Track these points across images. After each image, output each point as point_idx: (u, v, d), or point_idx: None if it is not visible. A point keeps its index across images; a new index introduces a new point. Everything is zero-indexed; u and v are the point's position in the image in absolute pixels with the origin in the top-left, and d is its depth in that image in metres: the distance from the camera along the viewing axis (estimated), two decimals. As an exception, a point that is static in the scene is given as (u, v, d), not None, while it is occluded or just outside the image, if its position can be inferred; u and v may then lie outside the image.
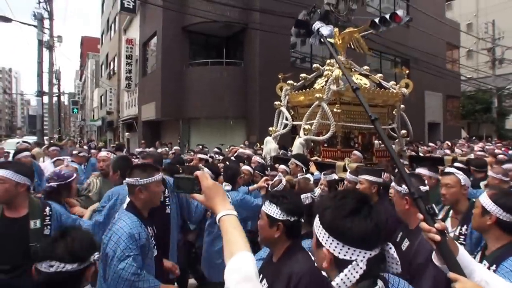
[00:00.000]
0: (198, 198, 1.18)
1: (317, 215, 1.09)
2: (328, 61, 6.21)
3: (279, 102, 6.53)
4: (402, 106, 6.31)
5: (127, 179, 2.18)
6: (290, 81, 6.56)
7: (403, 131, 6.44)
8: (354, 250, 1.00)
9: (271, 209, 1.68)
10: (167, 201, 3.02)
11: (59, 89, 26.09)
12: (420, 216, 1.21)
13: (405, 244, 2.05)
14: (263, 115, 12.82)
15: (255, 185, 3.97)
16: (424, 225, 1.20)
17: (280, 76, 6.65)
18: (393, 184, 2.23)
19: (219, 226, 1.09)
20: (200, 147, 9.91)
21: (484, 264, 1.62)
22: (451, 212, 2.68)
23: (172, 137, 15.64)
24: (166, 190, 2.98)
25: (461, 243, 2.21)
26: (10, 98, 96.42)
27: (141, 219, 2.11)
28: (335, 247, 1.01)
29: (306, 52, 15.58)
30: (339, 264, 1.01)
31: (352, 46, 6.32)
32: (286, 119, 6.36)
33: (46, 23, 14.57)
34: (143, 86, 18.04)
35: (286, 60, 14.09)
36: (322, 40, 2.04)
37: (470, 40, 26.01)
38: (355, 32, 6.20)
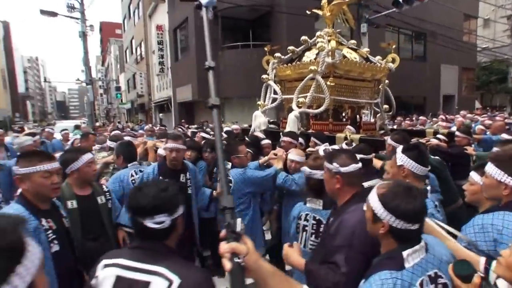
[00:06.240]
0: None
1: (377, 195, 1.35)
2: (318, 33, 5.85)
3: (266, 76, 6.22)
4: (386, 81, 6.14)
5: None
6: (277, 54, 6.19)
7: (386, 106, 6.26)
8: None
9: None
10: (188, 183, 3.23)
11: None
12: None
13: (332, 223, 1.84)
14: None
15: (265, 158, 3.80)
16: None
17: (266, 49, 6.30)
18: (325, 163, 1.92)
19: None
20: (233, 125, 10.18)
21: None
22: None
23: (206, 116, 16.59)
24: (188, 173, 3.24)
25: None
26: (40, 86, 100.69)
27: (34, 211, 1.91)
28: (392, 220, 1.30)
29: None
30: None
31: (339, 20, 6.17)
32: (275, 93, 6.09)
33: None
34: (176, 70, 19.11)
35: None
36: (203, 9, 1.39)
37: (488, 8, 25.41)
38: (343, 4, 5.97)
